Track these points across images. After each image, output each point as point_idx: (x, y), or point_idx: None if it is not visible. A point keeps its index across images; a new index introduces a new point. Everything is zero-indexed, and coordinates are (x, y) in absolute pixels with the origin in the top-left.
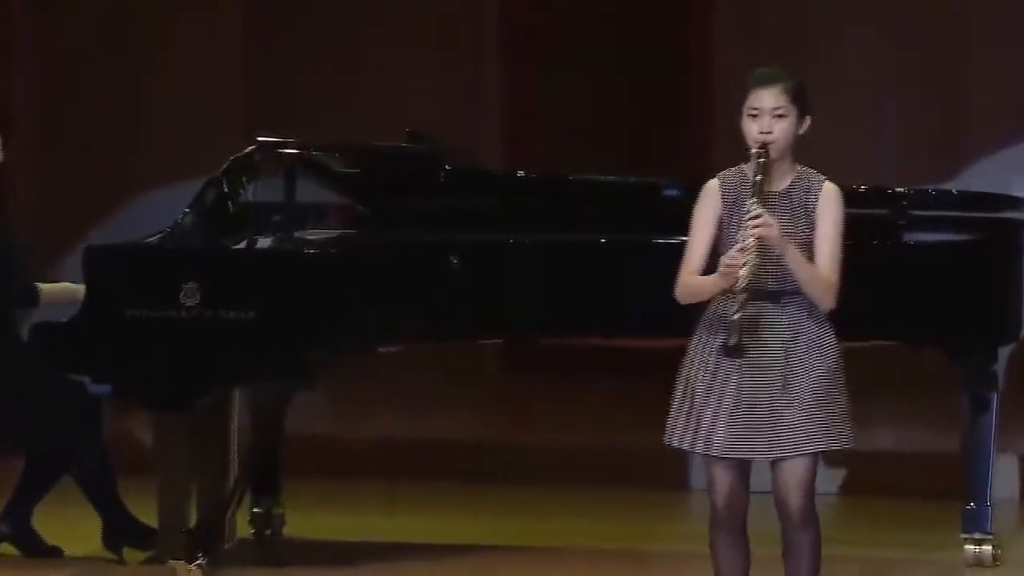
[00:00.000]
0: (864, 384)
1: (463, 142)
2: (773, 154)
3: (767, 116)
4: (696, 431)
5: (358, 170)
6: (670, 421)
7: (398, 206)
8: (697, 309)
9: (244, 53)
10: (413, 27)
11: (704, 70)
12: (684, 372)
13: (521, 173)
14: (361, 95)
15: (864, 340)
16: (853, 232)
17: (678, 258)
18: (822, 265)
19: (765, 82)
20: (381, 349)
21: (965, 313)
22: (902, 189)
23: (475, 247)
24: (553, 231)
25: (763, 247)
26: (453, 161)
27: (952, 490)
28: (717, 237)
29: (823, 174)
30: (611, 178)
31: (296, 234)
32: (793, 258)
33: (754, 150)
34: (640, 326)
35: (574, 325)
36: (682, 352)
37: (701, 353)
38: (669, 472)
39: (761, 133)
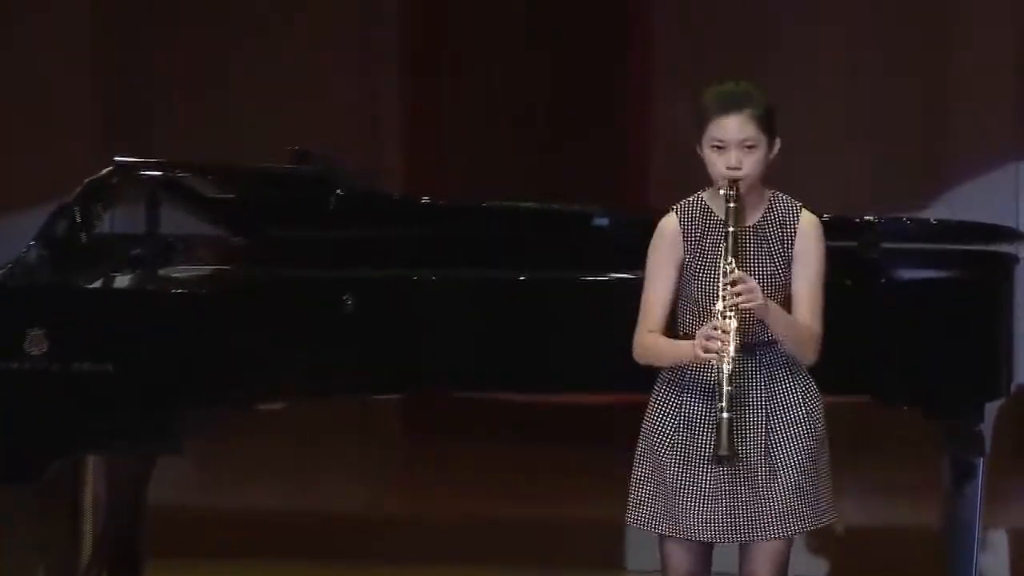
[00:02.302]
0: (833, 448)
1: (358, 163)
2: (743, 190)
3: (734, 149)
4: (666, 512)
5: (234, 195)
6: (634, 498)
7: (281, 237)
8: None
9: (97, 57)
10: (297, 29)
11: (642, 86)
12: (647, 443)
13: (427, 199)
14: (237, 109)
15: (826, 395)
16: None
17: (611, 298)
18: (803, 313)
19: (730, 108)
20: (261, 407)
21: (946, 363)
22: (872, 218)
23: (372, 285)
24: (465, 266)
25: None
26: (346, 184)
27: (932, 570)
28: (678, 282)
29: (797, 199)
30: (532, 205)
31: (161, 271)
32: (776, 319)
33: (723, 191)
34: (569, 380)
35: (491, 378)
36: (620, 411)
37: (666, 420)
38: (601, 551)
39: (729, 169)
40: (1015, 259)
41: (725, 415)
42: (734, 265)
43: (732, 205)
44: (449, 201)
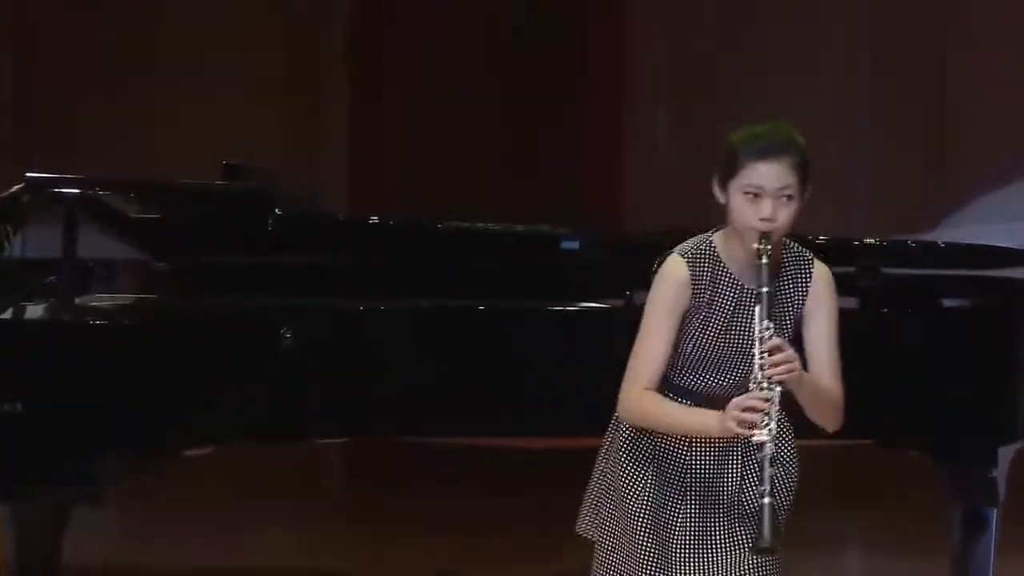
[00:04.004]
0: (828, 496)
1: (300, 180)
2: (771, 244)
3: (771, 199)
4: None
5: (159, 215)
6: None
7: (212, 262)
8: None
9: (12, 68)
10: (229, 28)
11: (612, 100)
12: (618, 517)
13: (375, 219)
14: (160, 121)
15: (826, 439)
16: None
17: (583, 330)
18: (823, 375)
19: (771, 153)
20: (189, 451)
21: (957, 402)
22: (874, 240)
23: (314, 316)
24: (417, 295)
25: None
26: (285, 203)
27: None
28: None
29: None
30: (492, 226)
31: (78, 300)
32: (806, 390)
33: (755, 246)
34: (536, 423)
35: (446, 421)
36: (588, 456)
37: (643, 495)
38: None
39: (763, 220)
40: None
41: (767, 500)
42: (772, 331)
43: (765, 261)
44: (400, 222)
